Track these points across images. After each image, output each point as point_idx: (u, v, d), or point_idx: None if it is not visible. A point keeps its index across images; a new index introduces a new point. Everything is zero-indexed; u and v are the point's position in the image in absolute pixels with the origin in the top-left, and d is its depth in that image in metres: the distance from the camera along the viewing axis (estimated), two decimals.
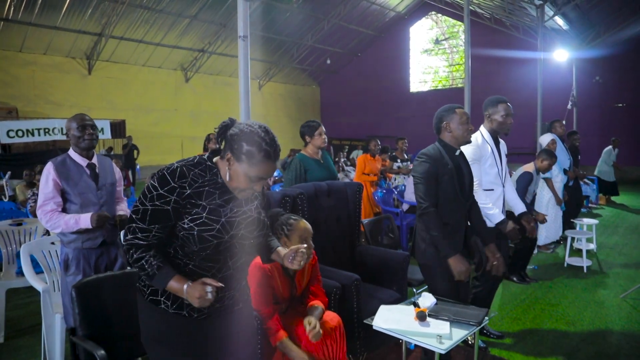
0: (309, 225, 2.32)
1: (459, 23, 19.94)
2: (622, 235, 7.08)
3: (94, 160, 2.71)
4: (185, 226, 1.50)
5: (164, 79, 17.34)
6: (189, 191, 1.49)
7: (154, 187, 1.49)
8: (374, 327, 2.13)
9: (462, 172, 2.56)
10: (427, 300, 2.26)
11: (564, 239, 6.16)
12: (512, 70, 17.50)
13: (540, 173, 5.00)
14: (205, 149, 5.72)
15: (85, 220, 2.52)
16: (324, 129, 3.63)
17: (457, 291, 2.57)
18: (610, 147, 10.76)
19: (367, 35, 21.16)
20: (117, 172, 2.86)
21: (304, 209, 2.97)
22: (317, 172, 3.48)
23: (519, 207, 3.24)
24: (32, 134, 11.54)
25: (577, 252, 5.67)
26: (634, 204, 10.14)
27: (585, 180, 9.89)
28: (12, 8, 12.04)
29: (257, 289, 2.18)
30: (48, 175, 2.55)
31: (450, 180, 2.47)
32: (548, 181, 5.88)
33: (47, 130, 11.36)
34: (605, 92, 16.21)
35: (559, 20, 12.79)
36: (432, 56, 21.44)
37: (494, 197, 3.04)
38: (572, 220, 6.34)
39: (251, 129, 1.49)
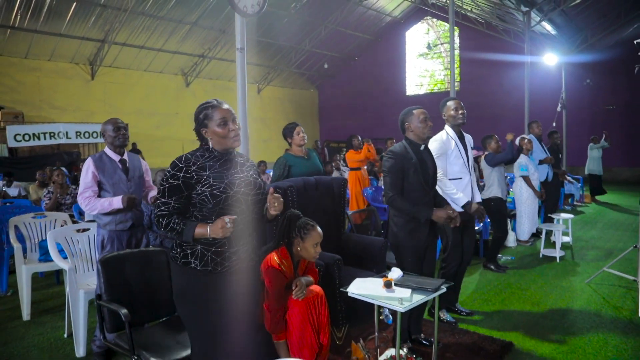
0: (321, 232, 2.69)
1: (454, 27, 20.42)
2: (600, 230, 7.50)
3: (125, 156, 3.23)
4: (199, 191, 1.98)
5: (165, 83, 17.74)
6: (193, 167, 2.00)
7: (168, 171, 2.01)
8: (348, 294, 2.55)
9: (426, 165, 2.99)
10: (395, 273, 2.68)
11: (540, 232, 6.58)
12: (504, 73, 17.97)
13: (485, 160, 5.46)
14: None
15: (117, 201, 3.02)
16: (302, 129, 4.10)
17: (421, 267, 3.01)
18: (591, 143, 11.30)
19: (364, 40, 21.60)
20: (144, 165, 3.39)
21: (294, 199, 3.40)
22: (300, 168, 3.91)
23: (476, 197, 3.68)
24: (38, 138, 12.00)
25: (553, 245, 6.08)
26: (619, 202, 10.55)
27: (569, 179, 10.36)
28: (19, 16, 12.47)
29: (271, 289, 2.56)
30: (88, 169, 3.06)
31: (415, 172, 2.91)
32: (526, 178, 6.31)
33: (52, 134, 11.81)
34: (596, 94, 16.66)
35: (547, 26, 13.24)
36: (429, 60, 21.90)
37: (462, 185, 3.48)
38: (549, 215, 6.76)
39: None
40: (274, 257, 2.56)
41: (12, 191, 6.91)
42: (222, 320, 2.04)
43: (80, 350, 3.14)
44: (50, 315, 3.96)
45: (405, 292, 2.44)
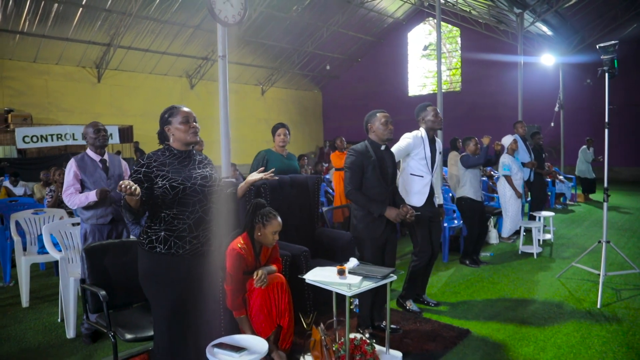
0: (281, 222, 2.97)
1: (456, 28, 20.61)
2: (585, 228, 7.69)
3: (105, 157, 3.55)
4: (160, 184, 2.27)
5: (170, 85, 18.13)
6: (154, 164, 2.30)
7: (133, 166, 2.34)
8: (306, 280, 2.83)
9: (385, 164, 3.26)
10: (351, 263, 2.95)
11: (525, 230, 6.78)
12: (504, 74, 18.09)
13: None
14: None
15: (92, 195, 3.35)
16: (286, 131, 4.38)
17: (382, 258, 3.27)
18: (585, 146, 11.41)
19: (367, 41, 21.84)
20: (124, 165, 3.70)
21: (267, 196, 3.68)
22: (276, 163, 4.18)
23: (439, 199, 3.98)
24: (46, 140, 12.40)
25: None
26: (614, 202, 10.66)
27: (561, 178, 10.53)
28: (27, 22, 12.90)
29: (232, 271, 2.85)
30: (70, 168, 3.39)
31: (374, 169, 3.18)
32: (508, 178, 6.53)
33: (59, 135, 12.21)
34: (596, 94, 16.74)
35: (543, 27, 13.40)
36: (432, 60, 22.08)
37: (422, 182, 3.74)
38: (532, 213, 6.97)
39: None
40: (237, 241, 2.85)
41: (18, 190, 7.27)
42: (183, 297, 2.34)
43: (70, 332, 3.47)
44: (47, 302, 4.32)
45: (355, 279, 2.71)
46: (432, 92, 21.91)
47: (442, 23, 21.12)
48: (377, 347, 2.99)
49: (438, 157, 3.93)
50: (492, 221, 6.91)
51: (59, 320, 3.82)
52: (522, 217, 6.68)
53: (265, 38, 18.18)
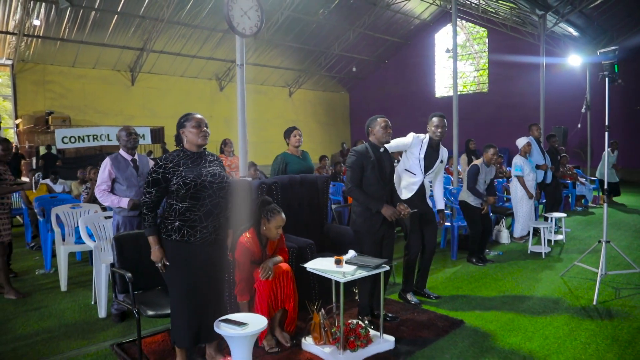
0: (284, 218, 3.29)
1: (483, 29, 20.53)
2: (600, 230, 7.69)
3: (136, 157, 4.01)
4: (174, 181, 2.64)
5: (200, 88, 18.79)
6: (171, 165, 2.66)
7: (152, 168, 2.69)
8: (307, 269, 3.16)
9: (383, 164, 3.56)
10: (349, 254, 3.27)
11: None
12: (530, 75, 17.92)
13: (491, 165, 5.84)
14: (222, 152, 6.88)
15: (124, 202, 3.78)
16: (299, 132, 4.74)
17: (380, 251, 3.57)
18: (609, 149, 11.28)
19: (393, 43, 21.99)
20: (152, 164, 4.10)
21: (278, 194, 4.03)
22: (295, 165, 4.55)
23: (439, 204, 4.24)
24: (83, 140, 13.16)
25: (547, 242, 6.40)
26: (635, 205, 10.58)
27: (582, 180, 10.51)
28: (67, 29, 13.73)
29: (240, 259, 3.20)
30: (105, 166, 3.84)
31: (372, 169, 3.49)
32: (520, 179, 6.69)
33: (95, 136, 12.96)
34: (626, 95, 16.43)
35: (569, 28, 13.31)
36: (460, 61, 22.07)
37: (413, 180, 4.03)
38: (545, 214, 7.08)
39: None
40: (244, 235, 3.20)
41: (58, 187, 7.87)
42: (194, 279, 2.72)
43: (102, 312, 3.93)
44: (82, 287, 4.82)
45: (350, 268, 3.03)
46: (459, 93, 21.87)
47: (469, 24, 21.11)
48: (372, 332, 3.30)
49: (438, 164, 4.18)
50: (504, 222, 7.06)
51: (92, 302, 4.29)
52: (536, 218, 6.81)
53: (293, 41, 18.62)
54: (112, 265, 3.14)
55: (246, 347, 2.54)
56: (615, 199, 11.20)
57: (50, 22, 13.25)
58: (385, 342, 3.24)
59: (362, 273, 3.01)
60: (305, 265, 3.16)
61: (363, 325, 3.20)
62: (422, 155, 4.03)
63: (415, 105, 22.38)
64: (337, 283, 3.05)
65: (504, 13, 15.96)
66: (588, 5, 11.62)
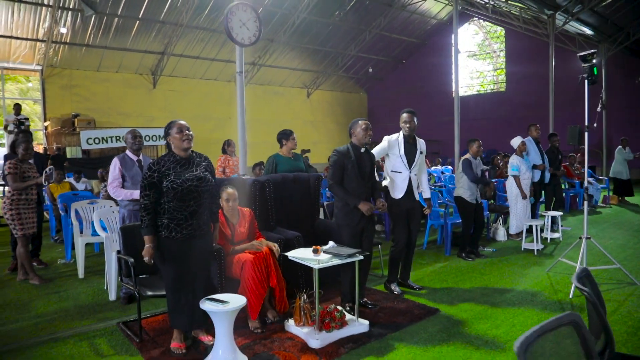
0: (231, 191, 3.76)
1: (500, 28, 20.51)
2: (601, 230, 7.82)
3: (140, 157, 4.41)
4: (165, 184, 3.00)
5: (219, 90, 19.33)
6: (162, 169, 3.02)
7: (146, 171, 3.06)
8: (289, 257, 3.51)
9: (363, 164, 3.89)
10: (328, 245, 3.61)
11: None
12: (546, 74, 17.88)
13: (478, 157, 6.09)
14: (224, 151, 7.29)
15: (136, 194, 4.18)
16: (295, 136, 5.07)
17: (360, 243, 3.90)
18: (620, 147, 11.30)
19: (411, 43, 22.11)
20: None
21: (271, 191, 4.40)
22: (284, 165, 4.90)
23: (426, 193, 4.52)
24: (106, 141, 13.86)
25: (543, 240, 6.58)
26: None
27: (590, 180, 10.56)
28: (92, 35, 14.45)
29: (220, 243, 3.65)
30: (115, 165, 4.28)
31: (353, 167, 3.82)
32: (515, 178, 6.90)
33: (117, 137, 13.62)
34: None
35: (581, 26, 13.29)
36: (479, 60, 22.09)
37: (402, 177, 4.34)
38: (542, 213, 7.25)
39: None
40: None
41: (80, 186, 8.48)
42: (182, 268, 3.11)
43: (112, 295, 4.42)
44: (97, 275, 5.31)
45: (325, 257, 3.37)
46: (477, 92, 21.90)
47: (487, 23, 21.10)
48: (348, 316, 3.63)
49: (419, 156, 4.48)
50: (501, 219, 7.27)
51: (105, 287, 4.77)
52: (536, 217, 6.97)
53: (309, 43, 19.00)
54: (119, 252, 3.56)
55: (227, 322, 2.91)
56: (627, 198, 11.19)
57: (76, 29, 13.98)
58: (360, 325, 3.57)
59: (335, 261, 3.35)
60: (288, 254, 3.52)
61: (339, 309, 3.54)
62: (403, 152, 4.35)
63: (434, 105, 22.42)
64: (320, 272, 3.39)
65: (517, 12, 15.99)
66: (599, 4, 11.62)
